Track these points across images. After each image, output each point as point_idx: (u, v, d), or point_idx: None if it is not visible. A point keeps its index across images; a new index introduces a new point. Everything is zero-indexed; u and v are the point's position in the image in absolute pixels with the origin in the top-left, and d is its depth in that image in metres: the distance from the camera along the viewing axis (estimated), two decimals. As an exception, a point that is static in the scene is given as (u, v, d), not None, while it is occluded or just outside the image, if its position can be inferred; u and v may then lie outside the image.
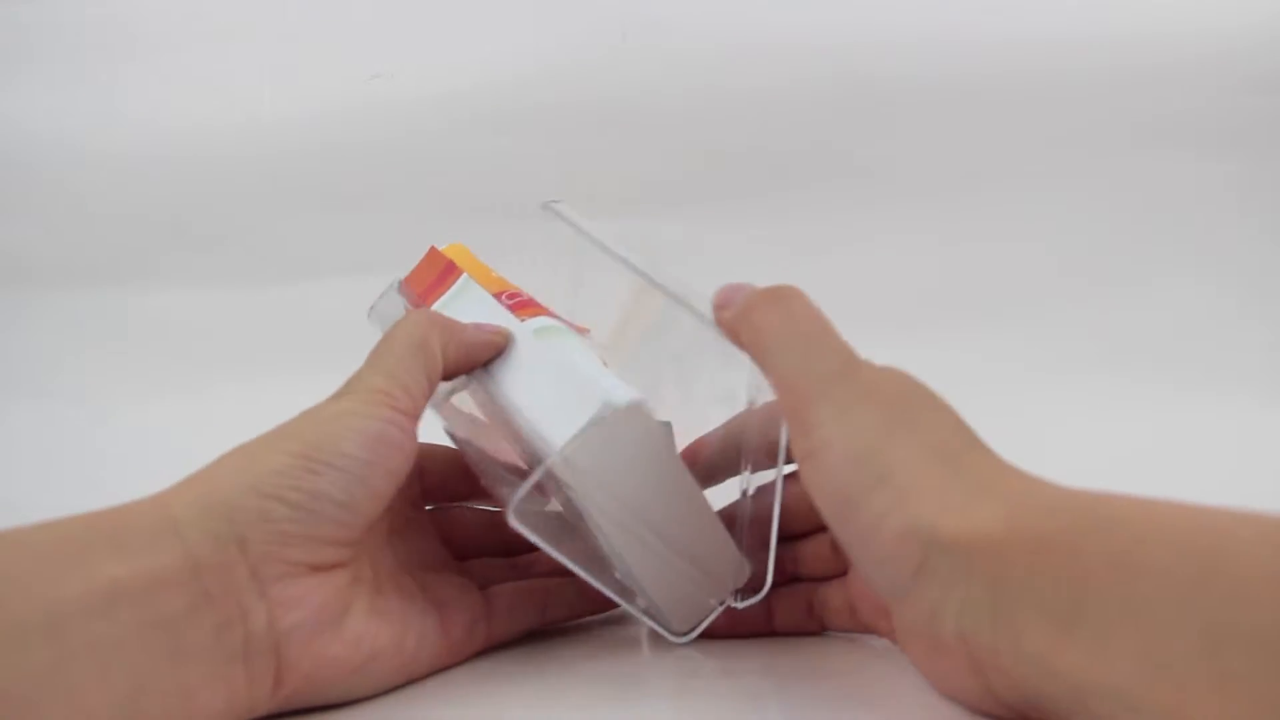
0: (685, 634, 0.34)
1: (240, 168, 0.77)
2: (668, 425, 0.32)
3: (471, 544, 0.38)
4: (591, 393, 0.30)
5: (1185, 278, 0.71)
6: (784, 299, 0.30)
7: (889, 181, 0.73)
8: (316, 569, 0.28)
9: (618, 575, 0.33)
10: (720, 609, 0.34)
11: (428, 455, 0.36)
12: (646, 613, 0.33)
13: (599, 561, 0.33)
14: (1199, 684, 0.19)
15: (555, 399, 0.31)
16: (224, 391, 0.71)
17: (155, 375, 0.75)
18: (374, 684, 0.30)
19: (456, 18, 0.76)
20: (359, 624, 0.29)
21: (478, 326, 0.34)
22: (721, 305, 0.31)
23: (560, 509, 0.34)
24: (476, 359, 0.34)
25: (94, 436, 0.72)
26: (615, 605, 0.33)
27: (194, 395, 0.73)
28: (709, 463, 0.35)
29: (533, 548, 0.38)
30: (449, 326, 0.33)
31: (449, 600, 0.33)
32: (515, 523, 0.29)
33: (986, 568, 0.24)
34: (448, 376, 0.33)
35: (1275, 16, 0.70)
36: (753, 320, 0.30)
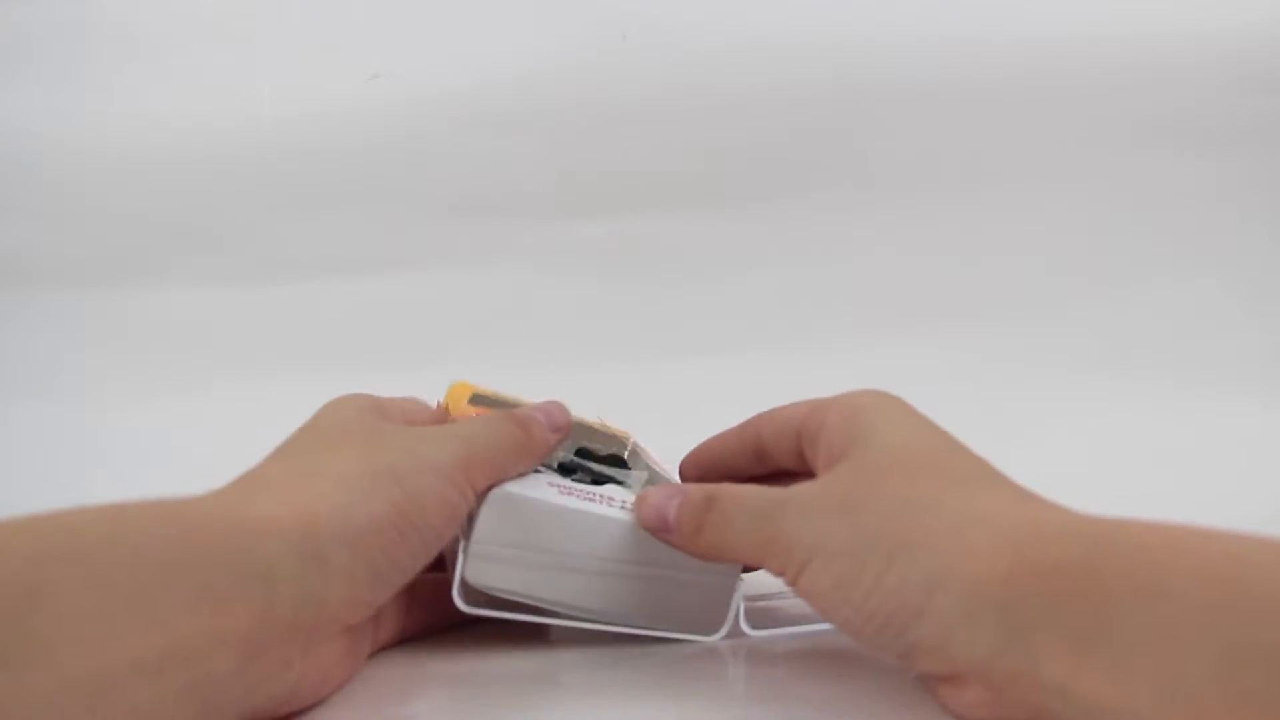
0: (717, 630, 0.34)
1: (240, 168, 0.76)
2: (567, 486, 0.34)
3: None
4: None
5: (1185, 278, 0.71)
6: (713, 503, 0.30)
7: (889, 181, 0.73)
8: (349, 628, 0.28)
9: (616, 622, 0.34)
10: (740, 587, 0.34)
11: None
12: (670, 630, 0.34)
13: (588, 615, 0.33)
14: (1216, 706, 0.19)
15: None
16: (224, 391, 0.71)
17: (155, 375, 0.75)
18: None
19: (456, 18, 0.76)
20: (357, 666, 0.30)
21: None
22: (659, 528, 0.31)
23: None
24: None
25: (94, 436, 0.71)
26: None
27: (194, 395, 0.73)
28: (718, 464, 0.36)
29: None
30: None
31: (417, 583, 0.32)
32: (463, 606, 0.31)
33: (994, 596, 0.24)
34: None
35: (1275, 16, 0.70)
36: (705, 540, 0.30)
